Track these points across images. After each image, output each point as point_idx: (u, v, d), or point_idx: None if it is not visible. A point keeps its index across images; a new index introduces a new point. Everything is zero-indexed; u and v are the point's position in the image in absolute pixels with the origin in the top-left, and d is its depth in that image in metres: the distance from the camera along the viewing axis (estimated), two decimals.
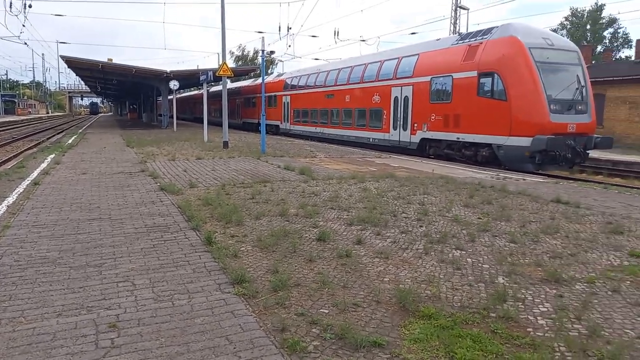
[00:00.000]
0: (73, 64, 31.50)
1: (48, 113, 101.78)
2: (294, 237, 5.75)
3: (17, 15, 28.87)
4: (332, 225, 6.45)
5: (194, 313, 3.73)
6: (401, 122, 19.10)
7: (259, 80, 24.72)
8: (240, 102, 39.21)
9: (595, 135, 14.97)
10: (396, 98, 19.35)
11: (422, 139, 17.97)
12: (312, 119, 26.78)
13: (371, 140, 21.19)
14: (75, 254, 5.14)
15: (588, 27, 57.80)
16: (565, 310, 3.84)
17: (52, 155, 15.29)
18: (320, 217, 6.94)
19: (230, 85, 41.70)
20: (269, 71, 60.73)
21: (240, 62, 76.39)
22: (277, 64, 70.35)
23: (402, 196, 8.56)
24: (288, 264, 4.85)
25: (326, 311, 3.79)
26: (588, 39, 55.34)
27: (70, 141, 22.50)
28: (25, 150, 20.35)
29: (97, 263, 4.86)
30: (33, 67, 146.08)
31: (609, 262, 5.09)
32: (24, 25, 43.61)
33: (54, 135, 31.00)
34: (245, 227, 6.29)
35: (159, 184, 9.67)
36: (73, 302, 3.92)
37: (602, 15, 56.94)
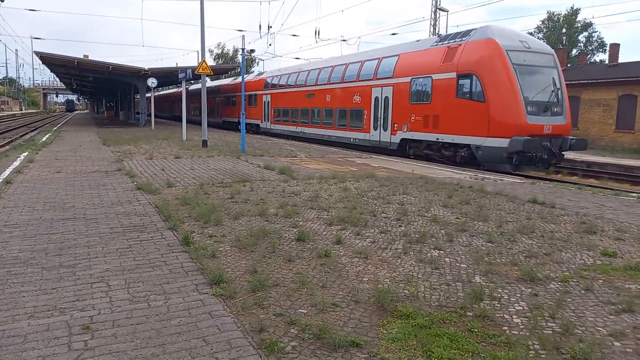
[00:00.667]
0: (47, 60, 30.81)
1: (21, 110, 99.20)
2: (273, 237, 5.72)
3: None
4: (312, 225, 6.44)
5: (170, 314, 3.67)
6: (382, 123, 19.20)
7: (240, 79, 24.55)
8: (220, 100, 38.90)
9: (571, 137, 15.30)
10: (377, 98, 19.45)
11: (402, 140, 18.11)
12: (293, 119, 26.73)
13: (352, 140, 21.25)
14: (48, 255, 5.01)
15: (564, 30, 59.05)
16: (539, 309, 3.90)
17: (25, 154, 14.91)
18: (300, 217, 6.92)
19: (210, 83, 41.35)
20: (250, 70, 60.41)
21: (220, 61, 75.76)
22: (257, 62, 69.95)
23: (381, 196, 8.60)
24: (267, 264, 4.82)
25: (305, 311, 3.78)
26: (564, 42, 56.53)
27: (44, 139, 21.98)
28: None
29: (71, 264, 4.75)
30: (6, 63, 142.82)
31: (583, 262, 5.20)
32: None
33: (27, 133, 30.25)
34: (224, 227, 6.24)
35: (135, 183, 9.51)
36: (45, 303, 3.82)
37: (577, 20, 58.26)
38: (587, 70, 31.79)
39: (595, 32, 59.55)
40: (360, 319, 3.69)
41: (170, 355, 3.08)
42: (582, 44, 59.32)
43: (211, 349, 3.16)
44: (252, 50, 32.41)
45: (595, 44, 59.05)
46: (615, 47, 32.91)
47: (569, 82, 21.17)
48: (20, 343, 3.20)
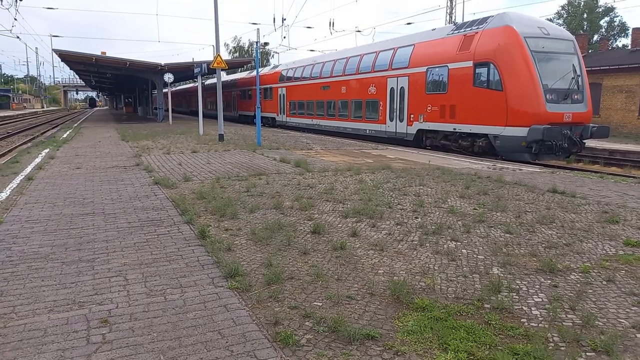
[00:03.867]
0: (66, 57, 31.25)
1: (43, 108, 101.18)
2: (289, 230, 5.72)
3: (8, 9, 28.57)
4: (327, 218, 6.42)
5: (186, 307, 3.70)
6: (397, 113, 19.03)
7: (255, 72, 24.56)
8: (236, 94, 39.02)
9: (592, 125, 14.95)
10: (392, 89, 19.27)
11: (419, 130, 17.93)
12: (309, 111, 26.68)
13: (368, 131, 21.13)
14: (68, 249, 5.10)
15: (585, 16, 57.59)
16: (559, 301, 3.83)
17: (46, 150, 15.20)
18: (315, 209, 6.91)
19: (225, 77, 41.51)
20: (264, 63, 60.45)
21: (235, 54, 75.93)
22: (272, 55, 70.00)
23: (397, 188, 8.54)
24: (282, 257, 4.82)
25: (320, 304, 3.77)
26: (585, 28, 55.16)
27: (64, 135, 22.36)
28: (20, 145, 20.21)
29: (90, 258, 4.82)
30: (27, 61, 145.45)
31: (604, 252, 5.08)
32: (15, 19, 43.17)
33: (48, 130, 30.83)
34: (240, 221, 6.26)
35: (153, 177, 9.61)
36: (65, 297, 3.89)
37: (598, 4, 56.72)
38: (609, 56, 30.96)
39: (617, 16, 57.95)
40: (376, 311, 3.67)
41: (186, 348, 3.11)
42: (603, 29, 57.80)
43: (226, 342, 3.18)
44: (267, 43, 32.53)
45: (617, 28, 57.47)
46: (638, 32, 31.94)
47: (589, 69, 20.66)
48: (40, 337, 3.26)
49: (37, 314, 3.60)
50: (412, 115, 18.19)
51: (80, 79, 63.42)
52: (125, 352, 3.05)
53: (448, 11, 38.20)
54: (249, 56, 68.31)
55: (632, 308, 3.73)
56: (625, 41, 53.65)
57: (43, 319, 3.51)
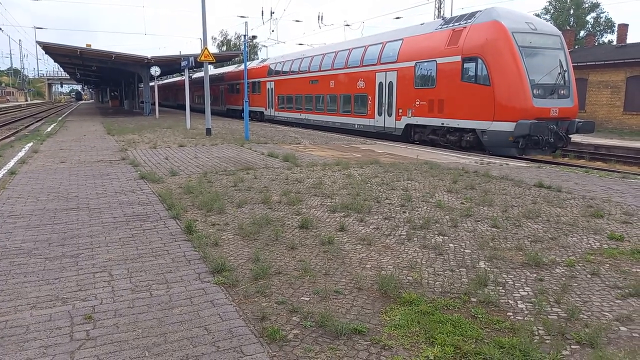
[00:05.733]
0: (51, 50, 30.72)
1: (27, 101, 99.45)
2: (276, 225, 5.70)
3: None
4: (315, 213, 6.40)
5: (172, 303, 3.66)
6: (386, 108, 19.04)
7: (243, 66, 24.39)
8: (224, 88, 38.73)
9: (578, 120, 15.09)
10: (381, 83, 19.27)
11: (407, 125, 17.96)
12: (297, 105, 26.59)
13: (356, 126, 21.12)
14: (52, 245, 5.02)
15: (571, 11, 58.05)
16: (545, 294, 3.86)
17: (30, 144, 14.95)
18: (304, 204, 6.88)
19: (213, 71, 41.18)
20: (253, 57, 60.08)
21: (223, 48, 75.34)
22: (260, 49, 69.62)
23: (386, 182, 8.54)
24: (270, 252, 4.80)
25: (307, 299, 3.76)
26: (571, 23, 55.61)
27: (49, 129, 22.02)
28: (3, 139, 19.88)
29: (74, 253, 4.75)
30: (10, 53, 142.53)
31: (589, 246, 5.14)
32: None
33: (32, 124, 30.35)
34: (227, 215, 6.22)
35: (139, 172, 9.50)
36: (48, 293, 3.83)
37: (585, 0, 57.20)
38: (595, 52, 31.27)
39: (603, 12, 58.50)
40: (363, 306, 3.66)
41: (171, 344, 3.07)
42: (590, 25, 58.35)
43: (213, 338, 3.15)
44: (255, 37, 32.29)
45: (603, 25, 58.04)
46: (623, 28, 32.31)
47: (576, 64, 20.85)
48: (23, 333, 3.20)
49: (19, 310, 3.54)
50: (400, 110, 18.21)
51: (65, 72, 62.43)
52: (109, 349, 3.01)
53: (437, 6, 38.26)
54: (236, 50, 67.81)
55: (616, 301, 3.77)
56: (611, 37, 54.24)
57: (25, 316, 3.45)
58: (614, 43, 35.22)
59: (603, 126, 25.99)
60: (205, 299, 3.74)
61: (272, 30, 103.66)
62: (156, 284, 4.03)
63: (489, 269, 4.41)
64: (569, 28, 43.57)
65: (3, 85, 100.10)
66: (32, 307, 3.60)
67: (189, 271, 4.31)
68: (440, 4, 38.02)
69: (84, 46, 29.96)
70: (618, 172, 11.52)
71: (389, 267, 4.46)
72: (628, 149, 17.94)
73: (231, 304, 3.65)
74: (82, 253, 4.77)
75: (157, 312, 3.51)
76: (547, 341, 3.15)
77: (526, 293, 3.90)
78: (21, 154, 12.52)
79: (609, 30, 57.05)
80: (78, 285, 4.00)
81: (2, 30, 71.79)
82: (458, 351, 3.01)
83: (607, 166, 14.84)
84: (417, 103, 17.28)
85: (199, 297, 3.78)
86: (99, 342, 3.10)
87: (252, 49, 65.73)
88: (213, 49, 71.10)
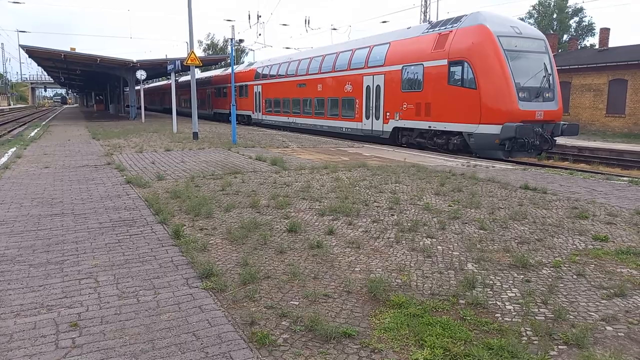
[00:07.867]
0: (34, 53, 30.33)
1: (9, 105, 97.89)
2: (265, 229, 5.67)
3: None
4: (304, 216, 6.39)
5: (160, 309, 3.62)
6: (373, 111, 19.12)
7: (230, 70, 24.31)
8: (211, 92, 38.57)
9: (562, 122, 15.31)
10: (368, 87, 19.35)
11: (395, 128, 18.05)
12: (285, 109, 26.57)
13: (344, 129, 21.16)
14: (36, 251, 4.94)
15: (555, 16, 58.96)
16: (532, 295, 3.89)
17: (13, 149, 14.72)
18: (292, 207, 6.87)
19: (200, 74, 40.99)
20: (240, 60, 59.93)
21: (209, 52, 75.08)
22: (247, 53, 69.47)
23: (374, 185, 8.57)
24: (258, 256, 4.77)
25: (296, 303, 3.74)
26: (554, 27, 56.49)
27: (32, 134, 21.71)
28: None
29: (59, 260, 4.68)
30: None
31: (574, 247, 5.20)
32: None
33: (15, 128, 29.89)
34: (215, 220, 6.18)
35: (125, 177, 9.40)
36: (32, 301, 3.76)
37: (567, 5, 58.16)
38: (578, 56, 31.79)
39: (586, 17, 59.55)
40: (353, 309, 3.66)
41: (159, 350, 3.03)
42: (573, 29, 59.29)
43: (201, 344, 3.12)
44: (242, 40, 32.21)
45: (586, 28, 59.03)
46: (605, 32, 32.88)
47: (560, 68, 21.16)
48: (6, 342, 3.13)
49: (3, 318, 3.47)
50: (388, 113, 18.29)
51: (49, 75, 61.68)
52: (96, 357, 2.96)
53: (422, 10, 38.58)
54: (223, 53, 67.58)
55: (602, 301, 3.82)
56: (592, 40, 55.18)
57: (9, 324, 3.38)
58: (596, 47, 35.81)
59: (586, 129, 26.40)
60: (194, 304, 3.71)
61: (259, 34, 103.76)
62: (143, 289, 3.98)
63: (476, 270, 4.44)
64: (552, 32, 44.24)
65: None
66: (15, 315, 3.53)
67: (176, 276, 4.27)
68: (426, 8, 38.35)
69: (68, 50, 29.62)
70: (602, 173, 11.70)
71: (378, 270, 4.46)
72: (611, 150, 18.25)
73: (220, 309, 3.62)
74: (67, 259, 4.70)
75: (145, 319, 3.46)
76: (535, 342, 3.18)
77: (514, 294, 3.93)
78: (4, 159, 12.32)
79: (590, 34, 58.06)
80: (63, 292, 3.93)
81: None
82: (447, 353, 3.02)
83: (591, 168, 15.08)
84: (405, 106, 17.38)
85: (187, 302, 3.74)
86: (85, 349, 3.05)
87: (239, 53, 65.59)
88: (199, 52, 70.88)
